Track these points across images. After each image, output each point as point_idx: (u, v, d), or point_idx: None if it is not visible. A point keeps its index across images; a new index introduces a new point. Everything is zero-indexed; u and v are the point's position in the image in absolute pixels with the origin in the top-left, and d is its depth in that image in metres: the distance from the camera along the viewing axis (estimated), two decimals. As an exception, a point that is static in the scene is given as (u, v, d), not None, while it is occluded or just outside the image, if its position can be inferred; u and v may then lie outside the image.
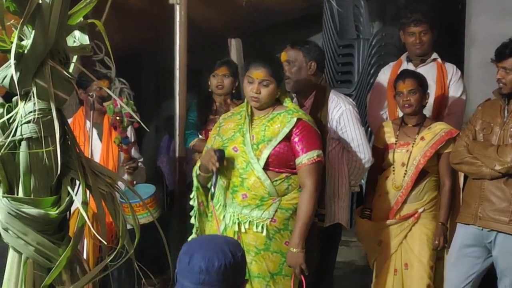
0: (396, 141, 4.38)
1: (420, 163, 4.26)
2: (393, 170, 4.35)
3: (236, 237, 3.63)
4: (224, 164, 3.67)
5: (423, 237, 4.27)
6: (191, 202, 3.90)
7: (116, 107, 4.21)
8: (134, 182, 4.54)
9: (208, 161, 3.65)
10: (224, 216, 3.72)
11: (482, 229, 4.04)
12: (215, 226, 3.72)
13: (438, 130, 4.32)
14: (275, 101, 3.80)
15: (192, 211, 3.89)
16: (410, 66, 4.85)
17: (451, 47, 4.90)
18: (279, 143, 3.67)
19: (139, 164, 4.67)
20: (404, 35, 4.88)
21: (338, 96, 4.25)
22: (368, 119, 5.11)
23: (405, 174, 4.29)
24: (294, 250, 3.64)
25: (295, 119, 3.69)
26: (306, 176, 3.68)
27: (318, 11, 6.78)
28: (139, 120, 2.99)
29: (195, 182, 3.85)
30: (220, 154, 3.64)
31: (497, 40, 4.20)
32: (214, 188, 3.65)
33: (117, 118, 4.24)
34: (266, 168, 3.65)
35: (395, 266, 4.30)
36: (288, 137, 3.69)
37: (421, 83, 4.37)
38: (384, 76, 4.90)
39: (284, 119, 3.71)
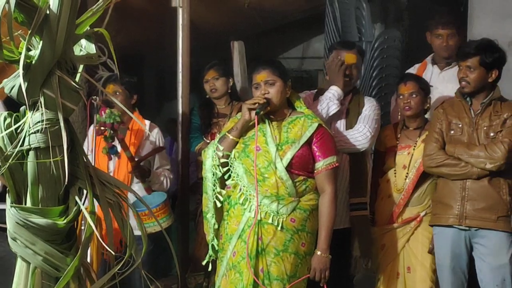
0: (397, 143, 4.39)
1: (421, 166, 4.26)
2: (395, 173, 4.36)
3: (257, 237, 3.64)
4: (269, 108, 3.75)
5: (425, 240, 4.27)
6: (205, 208, 3.87)
7: (101, 116, 4.17)
8: (152, 189, 4.52)
9: (254, 98, 3.76)
10: (245, 209, 3.70)
11: (469, 229, 4.05)
12: (233, 224, 3.73)
13: (439, 133, 4.33)
14: (288, 105, 3.88)
15: (208, 214, 3.85)
16: (435, 69, 4.83)
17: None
18: (302, 146, 3.73)
19: (161, 170, 4.62)
20: (430, 36, 4.84)
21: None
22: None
23: (406, 176, 4.30)
24: (323, 254, 3.71)
25: (316, 125, 3.77)
26: (325, 181, 3.76)
27: (320, 13, 6.77)
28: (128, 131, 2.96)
29: (210, 178, 3.80)
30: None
31: (499, 42, 4.21)
32: (261, 110, 3.71)
33: (101, 128, 4.18)
34: (287, 169, 3.70)
35: (398, 269, 4.31)
36: (309, 142, 3.76)
37: (423, 86, 4.38)
38: None
39: (305, 124, 3.78)
